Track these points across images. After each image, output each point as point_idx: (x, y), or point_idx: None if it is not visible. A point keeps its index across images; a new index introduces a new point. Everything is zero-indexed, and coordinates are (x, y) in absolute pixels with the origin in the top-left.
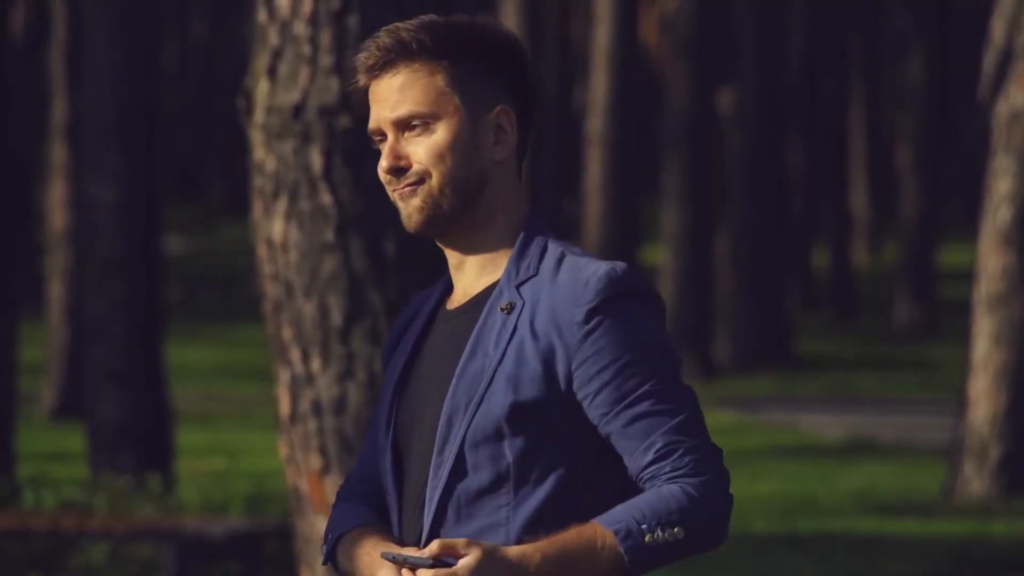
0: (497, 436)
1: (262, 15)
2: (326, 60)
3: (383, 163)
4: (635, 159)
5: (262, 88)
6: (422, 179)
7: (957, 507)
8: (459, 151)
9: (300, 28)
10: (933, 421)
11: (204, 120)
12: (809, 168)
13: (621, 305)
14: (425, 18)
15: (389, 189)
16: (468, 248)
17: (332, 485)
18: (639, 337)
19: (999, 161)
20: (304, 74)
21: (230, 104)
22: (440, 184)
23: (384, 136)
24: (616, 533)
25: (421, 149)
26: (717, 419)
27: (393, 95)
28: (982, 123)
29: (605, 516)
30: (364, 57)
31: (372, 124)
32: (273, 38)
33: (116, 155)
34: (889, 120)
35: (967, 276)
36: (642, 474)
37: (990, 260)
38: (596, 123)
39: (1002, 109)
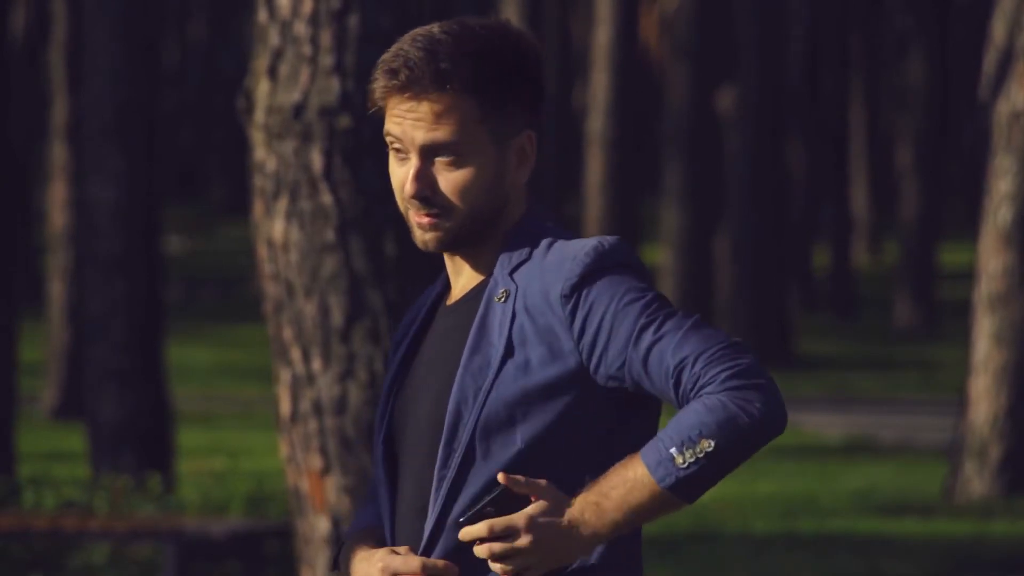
0: (509, 422)
1: (262, 15)
2: (327, 60)
3: (409, 188)
4: (635, 159)
5: (263, 88)
6: (444, 212)
7: (957, 507)
8: (486, 186)
9: (301, 28)
10: (933, 421)
11: (204, 120)
12: (809, 168)
13: (608, 273)
14: (455, 33)
15: (406, 209)
16: (469, 253)
17: (332, 485)
18: (623, 289)
19: (999, 161)
20: (305, 74)
21: (230, 104)
22: (463, 219)
23: (400, 143)
24: (647, 466)
25: (449, 183)
26: None
27: (424, 120)
28: (982, 123)
29: (647, 446)
30: (392, 73)
31: (394, 130)
32: (274, 38)
33: (116, 155)
34: (889, 120)
35: (967, 276)
36: (680, 405)
37: (990, 260)
38: (596, 123)
39: (1002, 109)
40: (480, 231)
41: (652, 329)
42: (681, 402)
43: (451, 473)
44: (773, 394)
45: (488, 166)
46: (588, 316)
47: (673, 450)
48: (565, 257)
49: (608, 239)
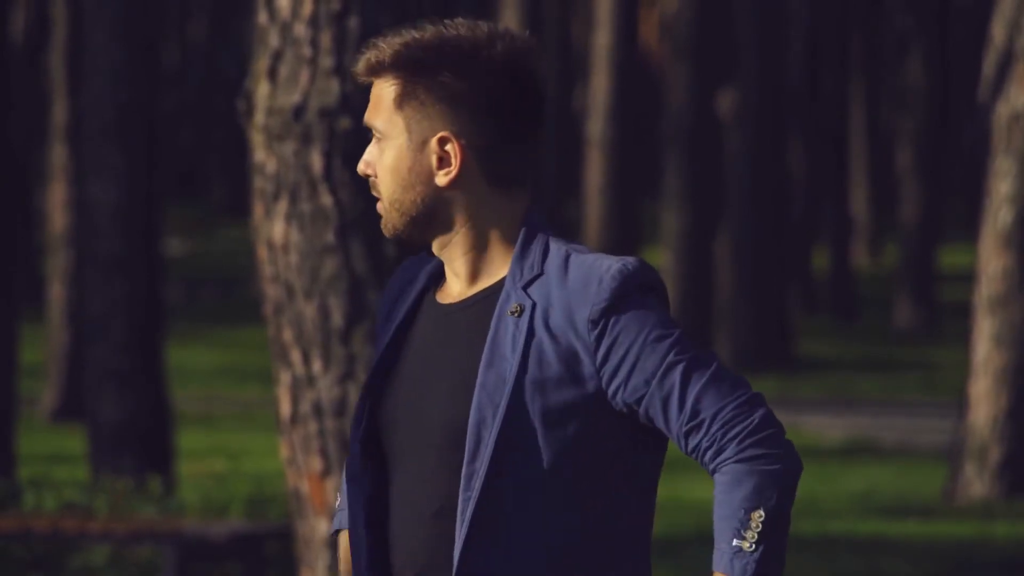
0: (525, 441)
1: (262, 17)
2: (326, 62)
3: (359, 166)
4: (635, 161)
5: (263, 90)
6: (380, 195)
7: (958, 509)
8: (397, 174)
9: (300, 30)
10: (934, 423)
11: (204, 120)
12: (809, 169)
13: (635, 300)
14: (415, 26)
15: None
16: (455, 256)
17: (333, 487)
18: (652, 322)
19: (999, 163)
20: (304, 76)
21: (230, 104)
22: (387, 202)
23: None
24: (720, 568)
25: (378, 165)
26: None
27: (371, 101)
28: (982, 125)
29: (713, 561)
30: (359, 60)
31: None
32: (274, 40)
33: (116, 156)
34: (889, 121)
35: (967, 278)
36: (691, 455)
37: (990, 262)
38: (596, 125)
39: (1002, 111)
40: (415, 226)
41: (677, 373)
42: (691, 453)
43: (475, 494)
44: (784, 438)
45: (401, 155)
46: (614, 345)
47: (735, 542)
48: (590, 279)
49: (631, 261)
